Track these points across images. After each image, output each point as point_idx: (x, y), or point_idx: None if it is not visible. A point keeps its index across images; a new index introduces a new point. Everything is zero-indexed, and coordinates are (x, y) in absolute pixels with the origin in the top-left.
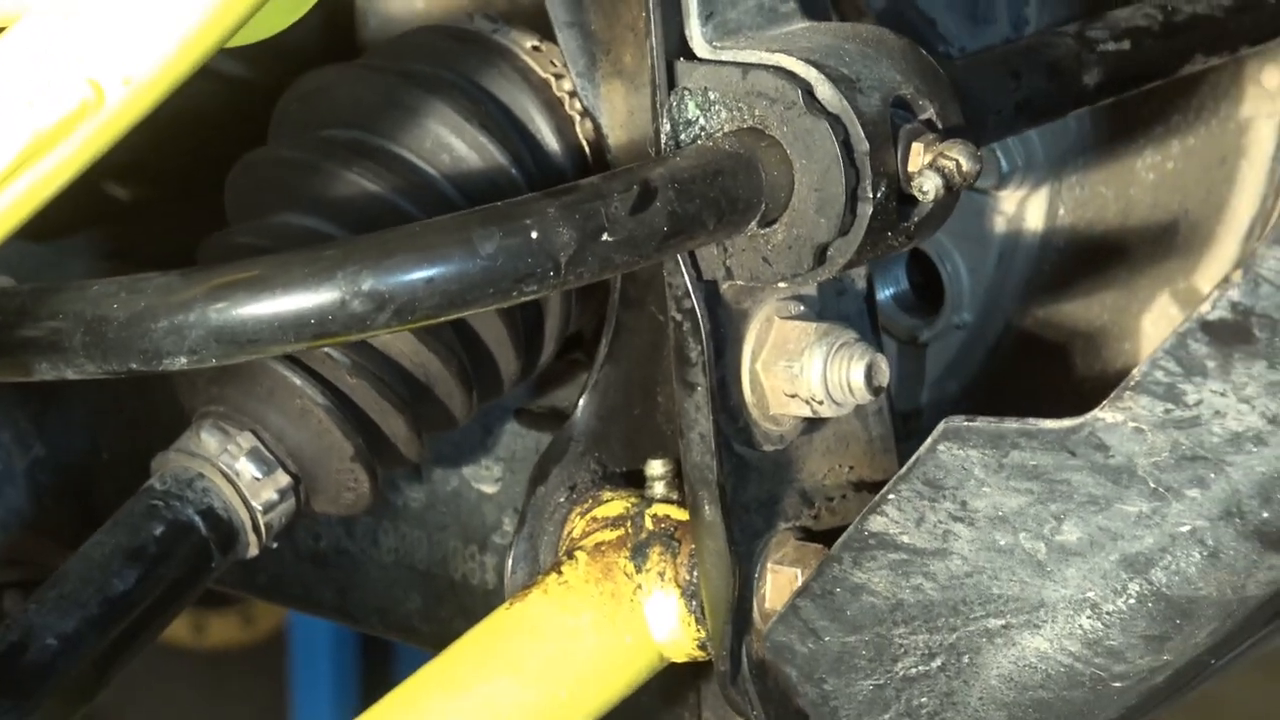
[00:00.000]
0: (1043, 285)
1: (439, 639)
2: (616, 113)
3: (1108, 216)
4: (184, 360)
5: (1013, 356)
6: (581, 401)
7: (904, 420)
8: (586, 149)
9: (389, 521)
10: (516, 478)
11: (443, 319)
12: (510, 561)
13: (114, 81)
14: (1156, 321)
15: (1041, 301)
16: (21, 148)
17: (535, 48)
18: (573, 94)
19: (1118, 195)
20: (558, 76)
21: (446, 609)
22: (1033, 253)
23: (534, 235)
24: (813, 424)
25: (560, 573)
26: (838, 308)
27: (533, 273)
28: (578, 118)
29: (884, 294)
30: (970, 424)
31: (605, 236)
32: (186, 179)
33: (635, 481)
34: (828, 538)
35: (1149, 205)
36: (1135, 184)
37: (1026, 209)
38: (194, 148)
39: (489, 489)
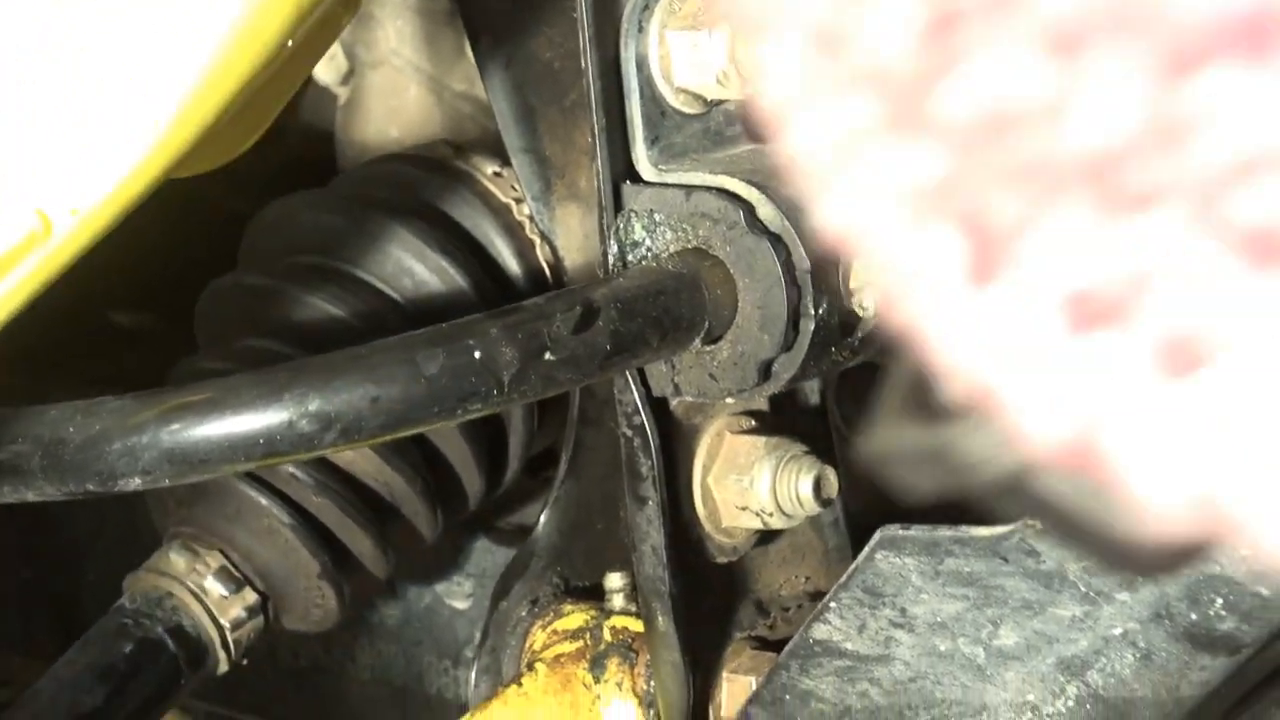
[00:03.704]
0: None
1: None
2: (572, 235)
3: None
4: (138, 481)
5: None
6: (543, 517)
7: None
8: (547, 271)
9: (365, 638)
10: (487, 593)
11: (389, 437)
12: (474, 674)
13: (61, 212)
14: None
15: None
16: None
17: (496, 173)
18: (532, 218)
19: None
20: (518, 201)
21: None
22: None
23: (477, 355)
24: (767, 536)
25: (520, 684)
26: (791, 422)
27: (476, 391)
28: (538, 240)
29: None
30: (905, 532)
31: (548, 355)
32: (175, 305)
33: (597, 594)
34: (783, 647)
35: None
36: None
37: None
38: (182, 274)
39: (461, 605)
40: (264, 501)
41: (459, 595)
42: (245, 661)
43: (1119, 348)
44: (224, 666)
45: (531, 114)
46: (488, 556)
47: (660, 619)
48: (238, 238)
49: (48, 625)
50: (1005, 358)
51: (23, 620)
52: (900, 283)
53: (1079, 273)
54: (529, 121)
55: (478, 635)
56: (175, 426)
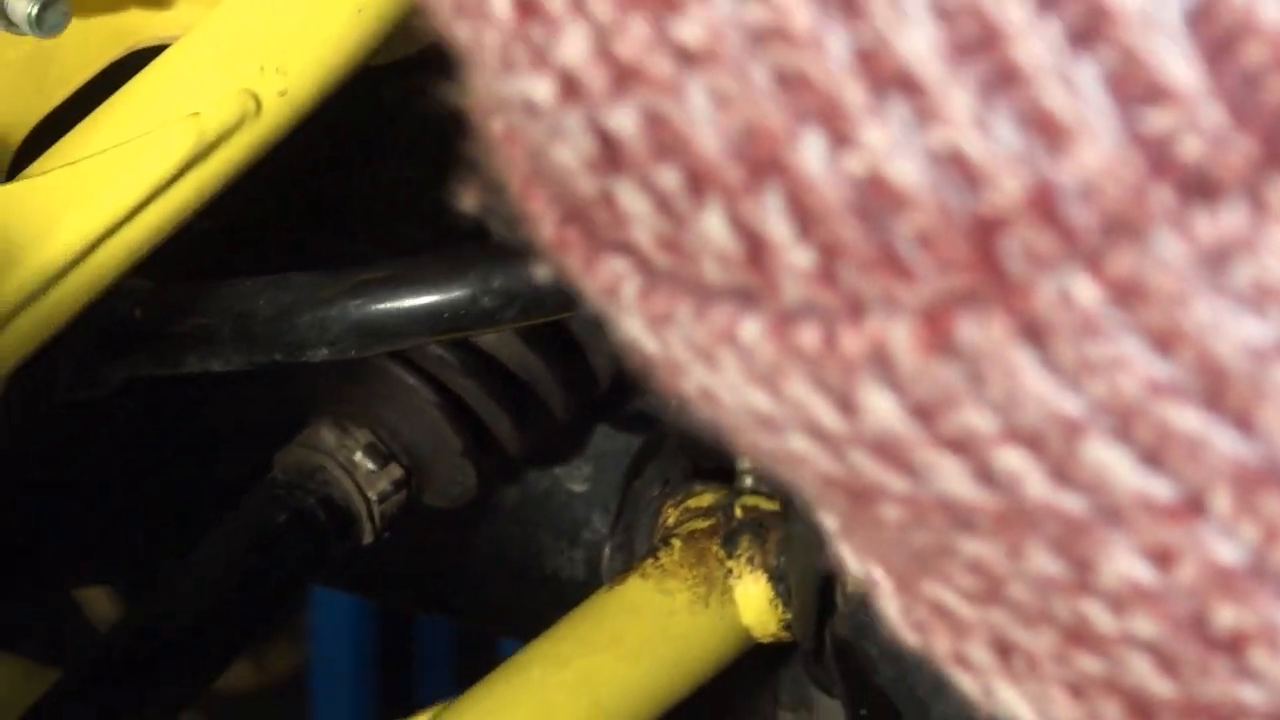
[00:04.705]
0: None
1: (531, 629)
2: None
3: None
4: (325, 351)
5: None
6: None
7: None
8: None
9: (484, 519)
10: (605, 476)
11: (562, 315)
12: (608, 549)
13: (271, 94)
14: None
15: None
16: (186, 153)
17: None
18: None
19: None
20: None
21: (539, 601)
22: None
23: None
24: None
25: (657, 558)
26: None
27: None
28: None
29: None
30: None
31: None
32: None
33: (722, 477)
34: None
35: None
36: None
37: None
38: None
39: (579, 487)
40: (412, 381)
41: (578, 478)
42: (388, 534)
43: None
44: (369, 538)
45: None
46: (607, 440)
47: (797, 495)
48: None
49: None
50: None
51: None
52: None
53: None
54: None
55: (594, 517)
56: (363, 300)
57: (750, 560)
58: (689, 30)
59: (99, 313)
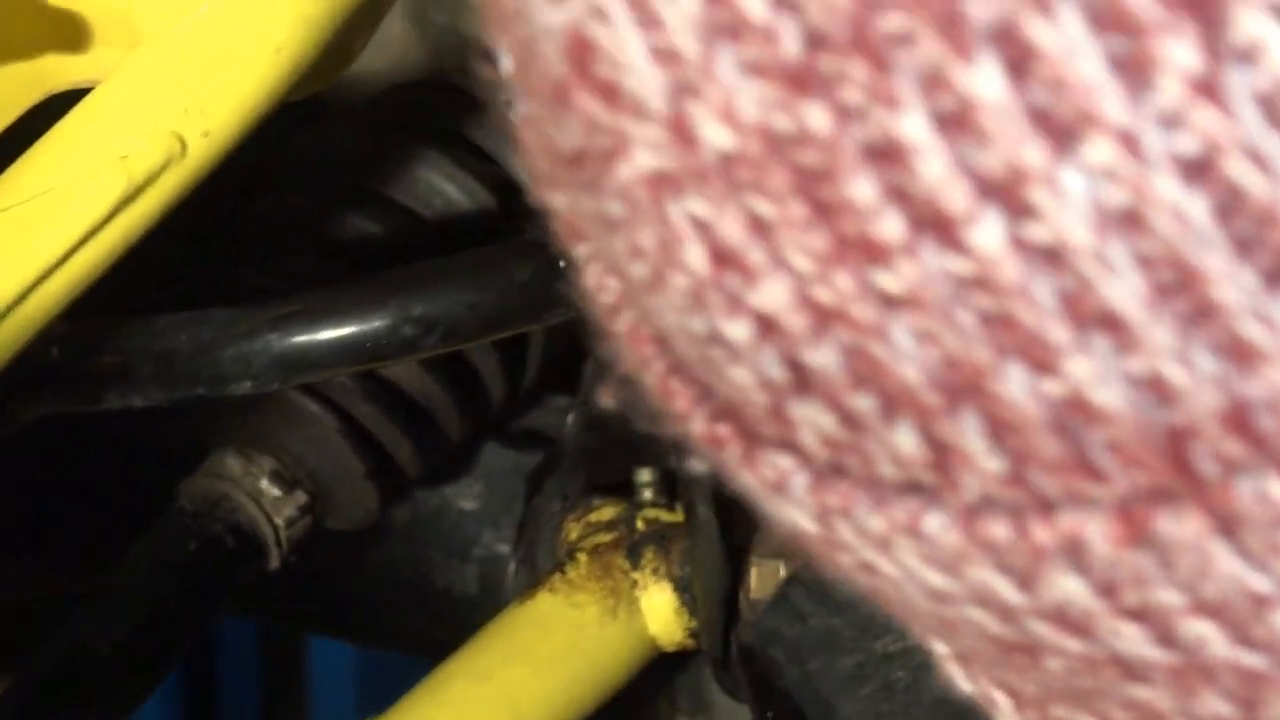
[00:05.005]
0: None
1: (425, 647)
2: None
3: None
4: (249, 384)
5: None
6: (570, 418)
7: None
8: None
9: (372, 540)
10: (495, 493)
11: (483, 340)
12: (512, 565)
13: (195, 135)
14: None
15: None
16: (117, 196)
17: (508, 100)
18: None
19: None
20: None
21: (431, 618)
22: None
23: (562, 264)
24: None
25: (564, 572)
26: None
27: (563, 298)
28: None
29: None
30: None
31: None
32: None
33: (622, 490)
34: None
35: None
36: None
37: None
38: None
39: (469, 505)
40: (315, 408)
41: (468, 496)
42: (293, 559)
43: None
44: (275, 563)
45: None
46: (496, 458)
47: (701, 508)
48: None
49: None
50: None
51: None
52: None
53: None
54: None
55: (484, 533)
56: (284, 333)
57: (655, 571)
58: (893, 281)
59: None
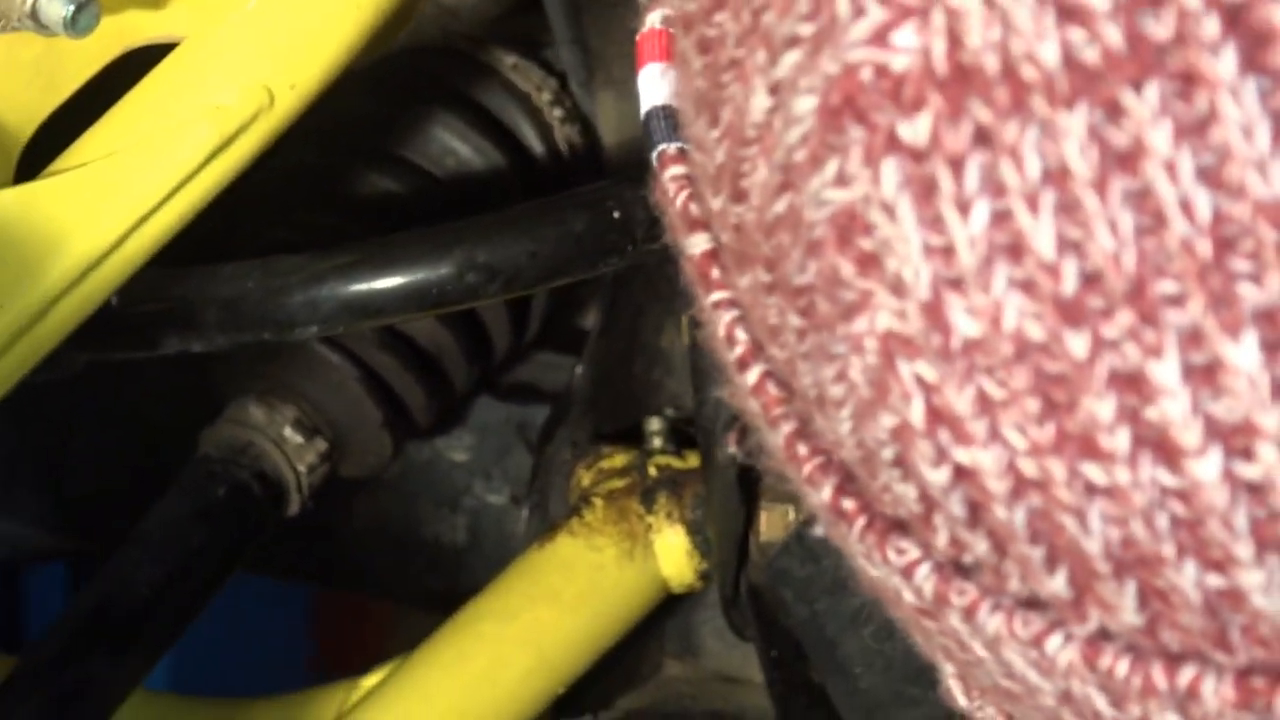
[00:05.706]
0: None
1: (412, 594)
2: (609, 117)
3: None
4: (315, 329)
5: None
6: (579, 370)
7: None
8: (566, 152)
9: (363, 491)
10: (486, 445)
11: (541, 288)
12: (525, 511)
13: (283, 88)
14: None
15: None
16: (211, 146)
17: (514, 65)
18: (550, 104)
19: None
20: (537, 89)
21: (420, 566)
22: None
23: (616, 214)
24: None
25: (582, 516)
26: None
27: (616, 247)
28: (556, 125)
29: None
30: None
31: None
32: None
33: (626, 438)
34: None
35: None
36: None
37: None
38: None
39: (460, 457)
40: (335, 358)
41: (459, 448)
42: (311, 504)
43: None
44: (295, 508)
45: (578, 8)
46: (488, 411)
47: (719, 453)
48: None
49: None
50: None
51: None
52: None
53: None
54: (576, 15)
55: (475, 484)
56: (353, 279)
57: (669, 515)
58: (1102, 476)
59: None
